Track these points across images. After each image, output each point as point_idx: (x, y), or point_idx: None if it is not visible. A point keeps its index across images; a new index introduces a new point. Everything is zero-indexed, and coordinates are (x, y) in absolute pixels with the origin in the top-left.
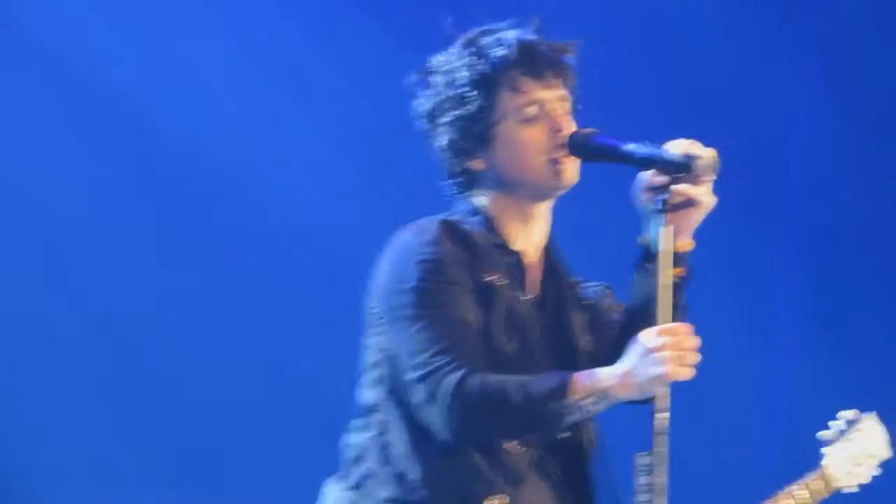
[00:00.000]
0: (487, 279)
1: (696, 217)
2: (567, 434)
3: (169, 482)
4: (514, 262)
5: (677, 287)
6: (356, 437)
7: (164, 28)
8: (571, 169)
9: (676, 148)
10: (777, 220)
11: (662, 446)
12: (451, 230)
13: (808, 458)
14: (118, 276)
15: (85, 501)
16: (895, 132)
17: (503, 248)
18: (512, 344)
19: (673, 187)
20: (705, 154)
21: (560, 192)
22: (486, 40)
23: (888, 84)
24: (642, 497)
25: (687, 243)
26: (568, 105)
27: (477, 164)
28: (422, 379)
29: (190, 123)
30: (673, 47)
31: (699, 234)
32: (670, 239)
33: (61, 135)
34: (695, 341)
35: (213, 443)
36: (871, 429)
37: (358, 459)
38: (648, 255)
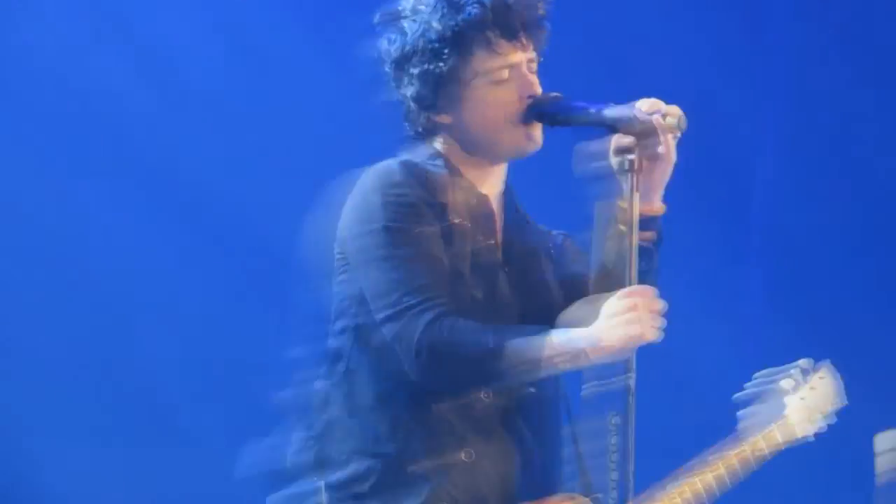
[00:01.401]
0: (455, 221)
1: (664, 176)
2: (535, 389)
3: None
4: (481, 206)
5: (650, 250)
6: (320, 385)
7: (144, 26)
8: (538, 134)
9: (643, 106)
10: (743, 223)
11: (632, 406)
12: (416, 172)
13: None
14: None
15: None
16: (859, 138)
17: (470, 190)
18: (478, 288)
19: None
20: (671, 111)
21: (524, 157)
22: None
23: (854, 90)
24: (613, 456)
25: (658, 207)
26: (535, 66)
27: (443, 119)
28: (392, 318)
29: (170, 119)
30: (637, 46)
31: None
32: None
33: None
34: (663, 304)
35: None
36: (827, 377)
37: (322, 408)
38: (621, 218)
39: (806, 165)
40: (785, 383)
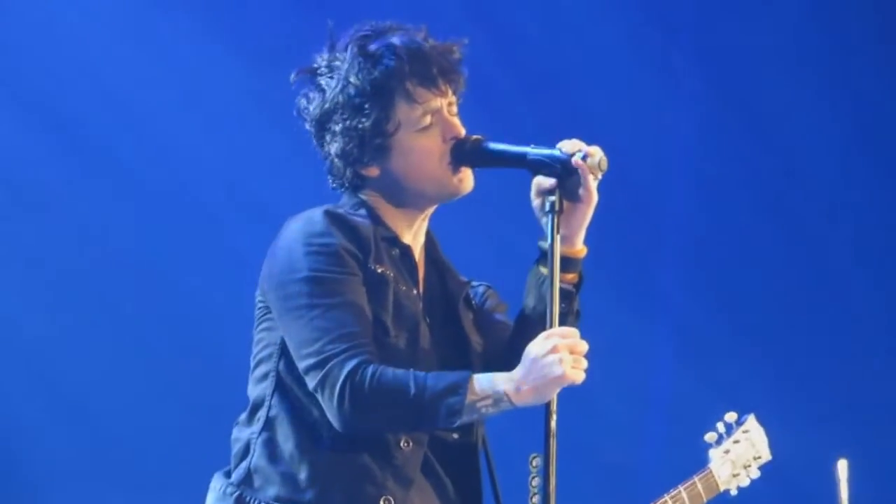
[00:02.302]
0: (378, 271)
1: (585, 218)
2: (457, 435)
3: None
4: (405, 256)
5: (571, 293)
6: (242, 432)
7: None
8: (470, 176)
9: (565, 147)
10: (659, 231)
11: (553, 448)
12: (339, 221)
13: (689, 461)
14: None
15: None
16: (777, 138)
17: (393, 241)
18: (400, 338)
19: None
20: (592, 152)
21: (456, 199)
22: (375, 46)
23: (772, 92)
24: (534, 498)
25: (580, 249)
26: (455, 108)
27: (371, 172)
28: (315, 366)
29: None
30: (555, 56)
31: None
32: (559, 242)
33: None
34: (584, 346)
35: (107, 436)
36: (754, 431)
37: (244, 454)
38: (544, 259)
39: (716, 217)
40: (708, 436)
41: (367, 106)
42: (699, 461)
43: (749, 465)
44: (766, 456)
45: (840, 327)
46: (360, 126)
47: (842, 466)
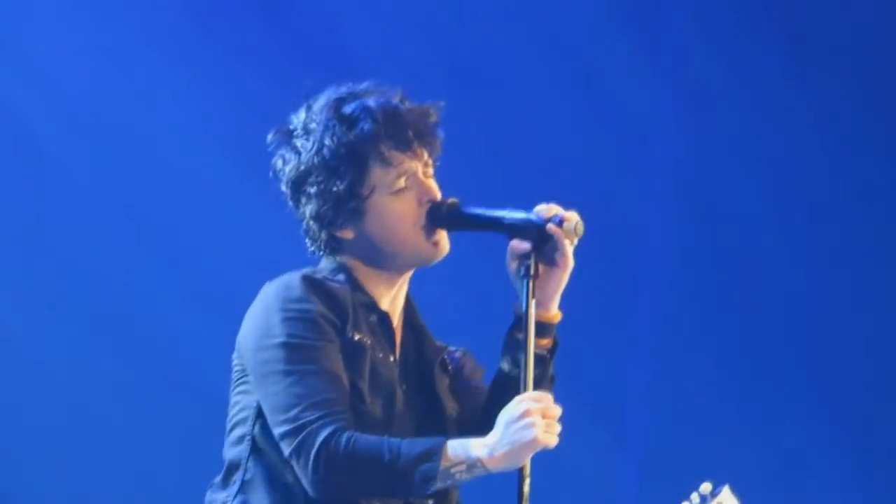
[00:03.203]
0: (355, 338)
1: (560, 283)
2: (432, 502)
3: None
4: (382, 322)
5: (545, 358)
6: (217, 495)
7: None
8: (445, 239)
9: (541, 212)
10: (631, 295)
11: None
12: (317, 287)
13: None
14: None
15: None
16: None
17: (371, 307)
18: (376, 405)
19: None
20: (569, 216)
21: (432, 263)
22: (351, 108)
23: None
24: None
25: (554, 314)
26: (431, 170)
27: (345, 234)
28: (290, 433)
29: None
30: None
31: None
32: (534, 307)
33: None
34: (558, 410)
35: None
36: (727, 502)
37: None
38: (518, 324)
39: (693, 271)
40: None
41: (341, 169)
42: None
43: None
44: None
45: (822, 332)
46: (334, 189)
47: None
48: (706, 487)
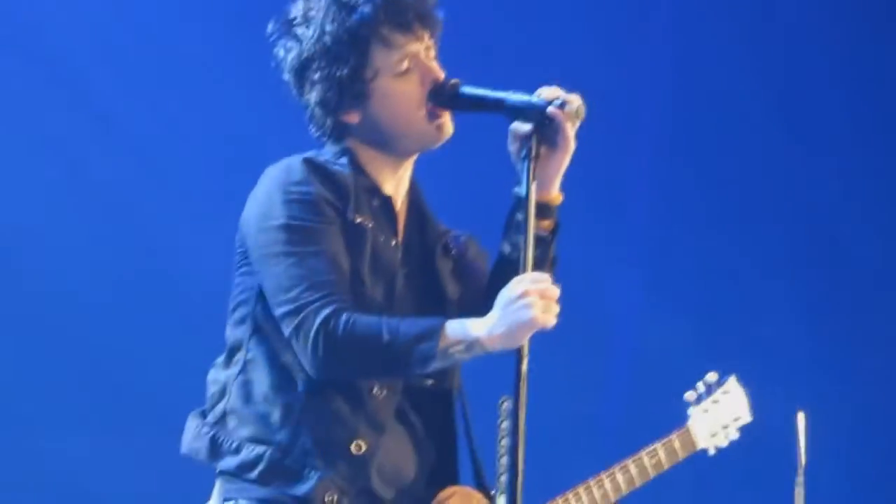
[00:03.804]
0: (356, 220)
1: (561, 165)
2: (432, 381)
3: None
4: (384, 206)
5: (546, 239)
6: (219, 374)
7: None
8: (448, 121)
9: (543, 94)
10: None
11: (523, 392)
12: (318, 170)
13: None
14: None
15: None
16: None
17: (373, 191)
18: (376, 288)
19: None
20: (571, 99)
21: (436, 146)
22: None
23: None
24: (503, 441)
25: (555, 196)
26: (433, 53)
27: (351, 118)
28: (290, 314)
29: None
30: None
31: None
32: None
33: None
34: (556, 290)
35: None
36: (734, 392)
37: (220, 396)
38: (519, 206)
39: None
40: (688, 395)
41: (343, 53)
42: (665, 410)
43: (728, 426)
44: (746, 417)
45: (812, 271)
46: (337, 74)
47: (800, 419)
48: (712, 377)
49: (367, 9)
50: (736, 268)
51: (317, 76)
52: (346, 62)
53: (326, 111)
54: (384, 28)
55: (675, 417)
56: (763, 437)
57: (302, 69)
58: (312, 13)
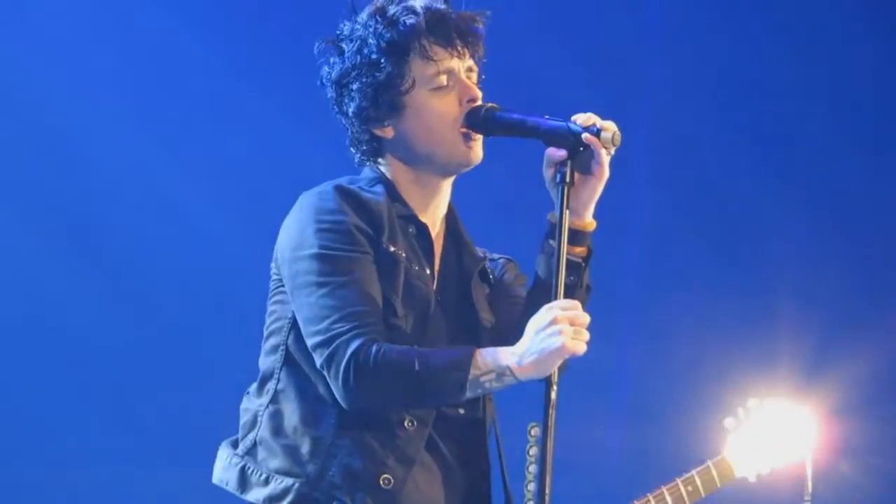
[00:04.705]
0: (389, 249)
1: (595, 192)
2: (464, 411)
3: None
4: (421, 233)
5: (579, 266)
6: (251, 403)
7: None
8: (480, 146)
9: (579, 120)
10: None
11: (552, 419)
12: (352, 197)
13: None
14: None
15: None
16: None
17: (409, 218)
18: (409, 317)
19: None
20: (607, 126)
21: (466, 169)
22: (395, 8)
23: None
24: (531, 467)
25: (589, 223)
26: (475, 76)
27: (386, 132)
28: (322, 344)
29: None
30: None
31: None
32: (570, 215)
33: None
34: (586, 317)
35: (114, 401)
36: (775, 417)
37: (251, 425)
38: (553, 232)
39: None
40: (727, 422)
41: (382, 61)
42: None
43: (767, 453)
44: (791, 444)
45: (828, 287)
46: (374, 81)
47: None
48: (753, 402)
49: (410, 19)
50: (747, 290)
51: (355, 86)
52: (384, 70)
53: (362, 123)
54: (425, 40)
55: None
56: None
57: (342, 80)
58: (357, 28)
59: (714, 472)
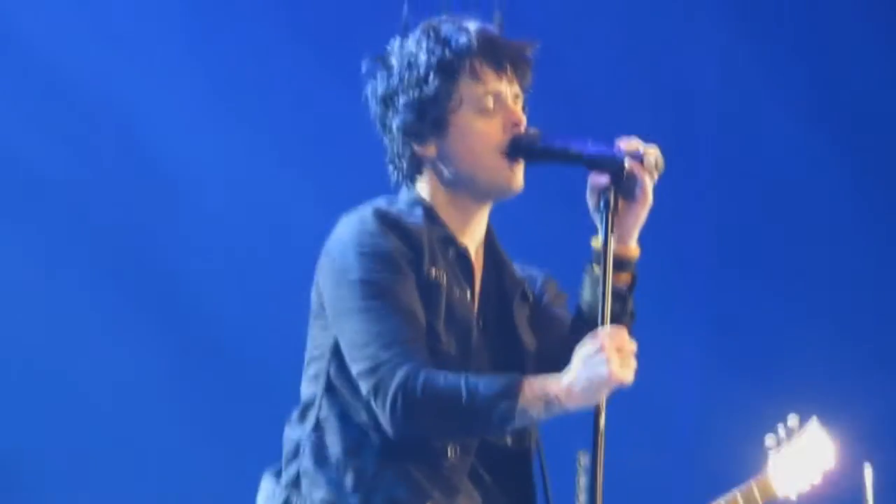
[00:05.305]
0: (430, 274)
1: (639, 218)
2: (510, 440)
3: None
4: (461, 257)
5: (623, 293)
6: (294, 432)
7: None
8: (521, 173)
9: (622, 146)
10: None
11: (601, 447)
12: (392, 222)
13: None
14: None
15: None
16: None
17: (449, 241)
18: (452, 342)
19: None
20: (650, 151)
21: (505, 197)
22: (447, 28)
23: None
24: (581, 497)
25: (633, 249)
26: (521, 103)
27: (428, 150)
28: (367, 372)
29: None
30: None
31: None
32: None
33: None
34: (633, 345)
35: (161, 428)
36: (816, 436)
37: (293, 455)
38: (597, 258)
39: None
40: (769, 440)
41: (430, 78)
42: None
43: (810, 472)
44: (830, 463)
45: (874, 325)
46: (421, 97)
47: (867, 471)
48: (793, 420)
49: (462, 39)
50: (798, 325)
51: (402, 100)
52: (432, 87)
53: (406, 138)
54: (476, 60)
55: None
56: (830, 490)
57: (389, 95)
58: (408, 43)
59: (756, 492)
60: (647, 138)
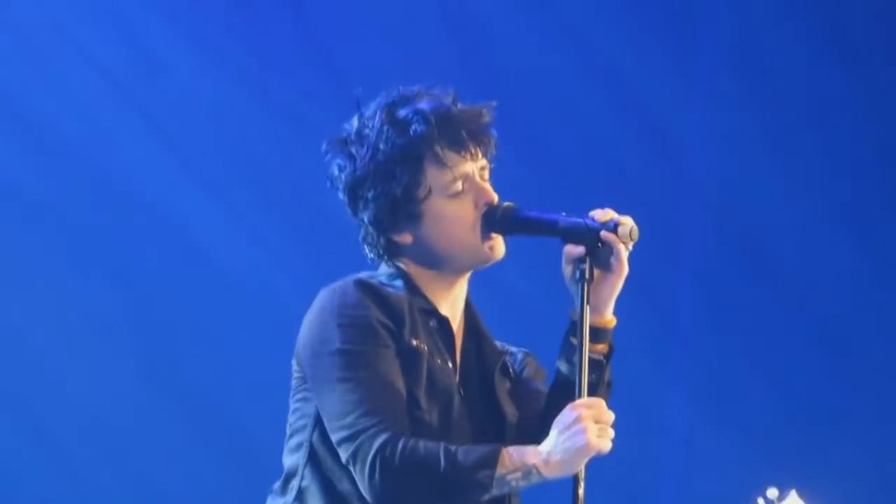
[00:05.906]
0: (411, 343)
1: (615, 288)
2: None
3: None
4: (442, 327)
5: (601, 363)
6: (276, 501)
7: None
8: (501, 243)
9: (596, 216)
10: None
11: None
12: (373, 292)
13: None
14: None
15: None
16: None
17: (430, 312)
18: (433, 411)
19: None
20: (624, 221)
21: (487, 265)
22: (403, 112)
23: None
24: None
25: (609, 319)
26: (487, 173)
27: (404, 238)
28: (347, 440)
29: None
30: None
31: None
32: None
33: None
34: (611, 415)
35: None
36: None
37: None
38: (574, 329)
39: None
40: None
41: (397, 172)
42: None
43: None
44: None
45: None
46: (391, 192)
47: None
48: (773, 492)
49: (420, 127)
50: (783, 391)
51: (370, 194)
52: (400, 181)
53: (379, 230)
54: (438, 147)
55: None
56: None
57: (355, 188)
58: (366, 132)
59: None
60: (635, 196)
